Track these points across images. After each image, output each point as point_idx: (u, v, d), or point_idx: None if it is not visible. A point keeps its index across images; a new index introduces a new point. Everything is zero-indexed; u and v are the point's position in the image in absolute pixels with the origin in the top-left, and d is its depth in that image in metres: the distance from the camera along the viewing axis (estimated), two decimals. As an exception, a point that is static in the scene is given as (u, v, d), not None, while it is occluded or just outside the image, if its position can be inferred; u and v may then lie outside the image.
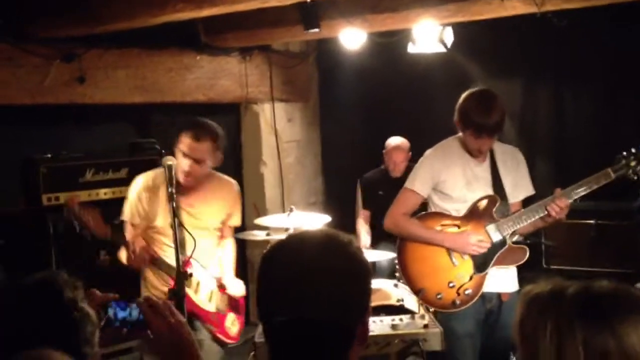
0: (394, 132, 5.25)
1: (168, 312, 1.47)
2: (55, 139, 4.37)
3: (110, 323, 1.48)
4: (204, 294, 3.35)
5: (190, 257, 3.00)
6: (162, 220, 3.26)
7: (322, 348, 1.24)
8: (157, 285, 3.32)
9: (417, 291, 3.23)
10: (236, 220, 3.55)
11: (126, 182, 4.28)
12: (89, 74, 4.39)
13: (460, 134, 3.27)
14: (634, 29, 4.64)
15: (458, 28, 4.74)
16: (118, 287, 1.73)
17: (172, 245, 3.00)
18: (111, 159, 4.33)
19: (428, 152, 3.39)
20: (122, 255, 3.23)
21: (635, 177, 3.21)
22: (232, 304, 3.48)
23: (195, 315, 3.28)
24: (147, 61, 4.80)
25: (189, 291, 3.23)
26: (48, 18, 3.82)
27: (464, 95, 3.19)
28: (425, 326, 2.76)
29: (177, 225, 2.80)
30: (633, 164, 3.17)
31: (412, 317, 2.86)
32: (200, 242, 3.22)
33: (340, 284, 1.24)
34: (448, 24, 4.55)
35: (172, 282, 3.12)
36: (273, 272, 1.28)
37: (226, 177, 3.56)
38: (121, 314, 1.50)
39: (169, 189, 2.82)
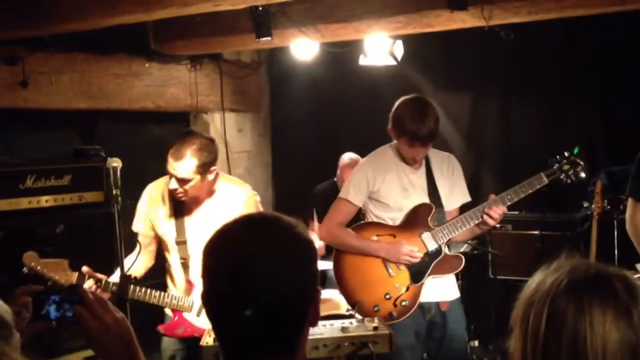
0: (344, 144, 5.27)
1: (102, 310, 1.39)
2: (-3, 144, 4.23)
3: (39, 317, 1.41)
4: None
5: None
6: (165, 233, 3.13)
7: (277, 334, 1.21)
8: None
9: (353, 304, 3.17)
10: None
11: (69, 189, 4.16)
12: (32, 78, 4.27)
13: (394, 141, 3.24)
14: (579, 43, 4.79)
15: (408, 41, 4.80)
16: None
17: (177, 261, 2.97)
18: (53, 165, 4.18)
19: (362, 160, 3.37)
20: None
21: (569, 181, 3.25)
22: None
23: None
24: (94, 67, 4.70)
25: (189, 316, 3.11)
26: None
27: (397, 103, 3.17)
28: (375, 328, 2.74)
29: (180, 241, 2.82)
30: (566, 167, 3.22)
31: (362, 320, 2.84)
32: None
33: (291, 266, 1.22)
34: (399, 36, 4.60)
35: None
36: (220, 263, 1.23)
37: (236, 185, 3.27)
38: (54, 314, 1.43)
39: (114, 191, 2.74)
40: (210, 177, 3.05)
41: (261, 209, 3.26)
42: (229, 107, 5.81)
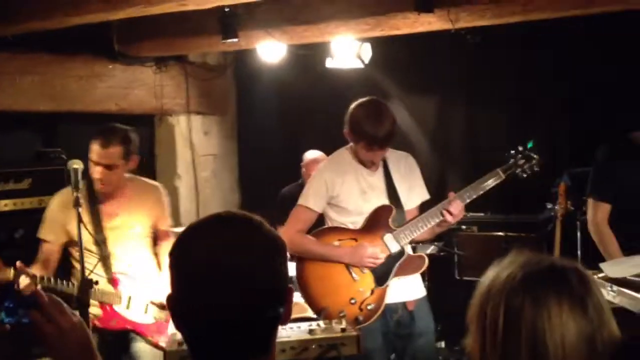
0: (312, 147, 5.24)
1: (58, 314, 1.34)
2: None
3: None
4: (137, 308, 3.20)
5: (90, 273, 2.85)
6: (82, 235, 3.08)
7: (250, 336, 1.18)
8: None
9: (318, 311, 3.12)
10: (165, 223, 3.43)
11: (29, 192, 4.07)
12: (-6, 79, 4.17)
13: (351, 144, 3.21)
14: (544, 46, 4.86)
15: (376, 44, 4.81)
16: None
17: (97, 259, 2.93)
18: (13, 168, 4.08)
19: (319, 165, 3.34)
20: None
21: (525, 175, 3.28)
22: None
23: (132, 331, 3.19)
24: (56, 68, 4.60)
25: (120, 308, 3.13)
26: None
27: (352, 106, 3.12)
28: (343, 330, 2.73)
29: (99, 240, 2.80)
30: (521, 162, 3.25)
31: (330, 323, 2.82)
32: (130, 254, 3.17)
33: (264, 265, 1.19)
34: (366, 39, 4.61)
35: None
36: (190, 264, 1.19)
37: (150, 180, 3.49)
38: (7, 319, 1.38)
39: (74, 194, 2.70)
40: (131, 165, 3.20)
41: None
42: (195, 109, 5.75)
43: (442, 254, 4.50)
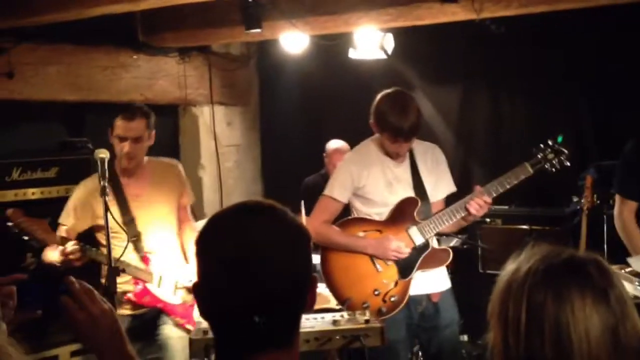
0: (334, 138, 5.24)
1: (89, 301, 1.36)
2: (-19, 136, 4.18)
3: (25, 307, 1.37)
4: (167, 288, 3.29)
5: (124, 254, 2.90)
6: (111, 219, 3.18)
7: (277, 325, 1.18)
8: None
9: (342, 301, 3.13)
10: (189, 199, 3.55)
11: (55, 181, 4.13)
12: (18, 69, 4.23)
13: (377, 135, 3.21)
14: (569, 36, 4.79)
15: (398, 35, 4.78)
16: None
17: (125, 242, 2.99)
18: (40, 157, 4.14)
19: (345, 156, 3.35)
20: (50, 255, 3.09)
21: (553, 170, 3.21)
22: None
23: (161, 309, 3.29)
24: (81, 58, 4.65)
25: (152, 286, 3.24)
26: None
27: (378, 98, 3.12)
28: (367, 321, 2.73)
29: (128, 221, 2.90)
30: (550, 156, 3.19)
31: (353, 314, 2.82)
32: (158, 233, 3.27)
33: (290, 253, 1.20)
34: (389, 29, 4.58)
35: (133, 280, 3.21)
36: (216, 253, 1.19)
37: (166, 159, 3.62)
38: (39, 305, 1.40)
39: (102, 183, 2.74)
40: (151, 141, 3.33)
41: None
42: (218, 100, 5.77)
43: (465, 246, 4.46)
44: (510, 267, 1.29)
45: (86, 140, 4.34)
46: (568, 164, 3.24)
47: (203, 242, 1.23)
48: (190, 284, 3.29)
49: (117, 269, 2.67)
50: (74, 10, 3.45)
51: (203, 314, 1.25)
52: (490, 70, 5.23)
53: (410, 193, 3.18)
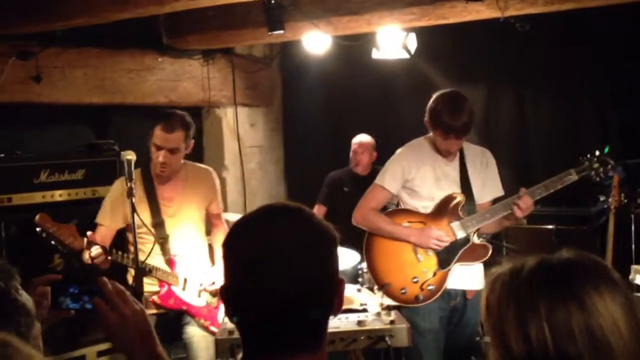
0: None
1: (121, 302, 1.38)
2: (9, 139, 4.24)
3: (58, 306, 1.39)
4: (192, 290, 3.33)
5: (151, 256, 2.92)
6: (143, 214, 3.21)
7: (303, 327, 1.19)
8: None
9: (382, 285, 3.27)
10: (218, 207, 3.57)
11: (82, 183, 4.18)
12: (45, 73, 4.29)
13: (430, 133, 3.33)
14: (595, 34, 4.73)
15: (421, 34, 4.75)
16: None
17: (154, 241, 3.03)
18: (67, 159, 4.19)
19: (399, 150, 3.45)
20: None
21: (598, 179, 3.30)
22: None
23: (186, 312, 3.32)
24: (107, 61, 4.70)
25: (177, 289, 3.28)
26: (3, 14, 3.70)
27: (434, 96, 3.25)
28: (392, 322, 2.73)
29: (157, 223, 2.88)
30: (596, 166, 3.26)
31: (378, 314, 2.82)
32: (185, 237, 3.29)
33: (315, 257, 1.20)
34: (412, 29, 4.56)
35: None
36: (243, 256, 1.20)
37: (201, 165, 3.61)
38: (72, 305, 1.42)
39: (128, 184, 2.76)
40: (188, 150, 3.33)
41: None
42: (241, 101, 5.80)
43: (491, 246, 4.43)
44: (497, 283, 1.22)
45: (112, 142, 4.39)
46: (612, 174, 3.36)
47: (229, 245, 1.24)
48: (212, 288, 3.33)
49: (143, 269, 2.70)
50: (101, 14, 3.49)
51: (229, 315, 1.26)
52: (515, 70, 5.19)
53: (457, 190, 3.30)
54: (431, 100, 3.24)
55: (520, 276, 1.21)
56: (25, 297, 1.32)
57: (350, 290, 3.91)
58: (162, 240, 3.25)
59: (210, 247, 3.54)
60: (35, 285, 1.42)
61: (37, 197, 4.01)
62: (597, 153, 3.27)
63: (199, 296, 3.34)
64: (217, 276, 3.35)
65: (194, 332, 3.34)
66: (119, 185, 3.31)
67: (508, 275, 1.23)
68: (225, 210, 5.62)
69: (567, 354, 1.14)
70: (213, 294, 3.35)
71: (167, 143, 3.19)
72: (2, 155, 4.00)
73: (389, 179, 3.33)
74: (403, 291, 3.22)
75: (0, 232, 3.83)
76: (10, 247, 3.82)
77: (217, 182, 3.57)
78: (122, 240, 3.34)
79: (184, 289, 3.30)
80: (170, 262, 3.28)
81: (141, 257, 3.21)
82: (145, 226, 2.97)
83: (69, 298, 1.41)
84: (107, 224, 3.28)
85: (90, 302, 1.38)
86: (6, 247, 3.82)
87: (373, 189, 3.40)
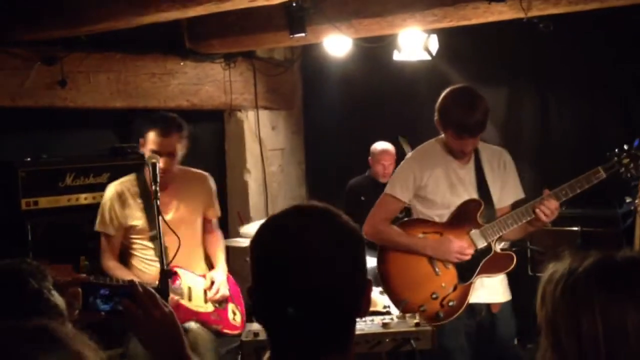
0: (378, 140, 5.25)
1: (151, 305, 1.39)
2: (35, 143, 4.30)
3: (89, 308, 1.41)
4: (198, 298, 3.31)
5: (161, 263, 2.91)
6: (139, 221, 3.23)
7: (331, 329, 1.18)
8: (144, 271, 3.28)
9: (398, 303, 3.03)
10: (215, 212, 3.52)
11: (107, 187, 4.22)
12: (70, 78, 4.34)
13: (442, 135, 3.10)
14: (617, 34, 4.67)
15: (443, 36, 4.73)
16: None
17: (152, 250, 3.00)
18: (92, 163, 4.25)
19: (408, 155, 3.26)
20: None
21: (629, 175, 3.04)
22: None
23: (197, 322, 3.26)
24: (130, 66, 4.75)
25: (184, 301, 3.22)
26: (29, 19, 3.75)
27: (443, 93, 3.02)
28: (417, 324, 2.69)
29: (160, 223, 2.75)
30: (625, 161, 3.00)
31: (403, 316, 2.80)
32: (186, 241, 3.19)
33: (343, 257, 1.20)
34: (434, 30, 4.54)
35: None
36: (272, 257, 1.20)
37: (197, 170, 3.54)
38: (102, 307, 1.44)
39: (154, 187, 2.78)
40: (183, 152, 3.29)
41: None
42: (263, 104, 5.82)
43: (514, 249, 4.38)
44: (556, 274, 1.23)
45: (136, 146, 4.41)
46: None
47: (257, 245, 1.24)
48: (217, 296, 3.29)
49: (169, 271, 2.71)
50: (124, 19, 3.52)
51: (257, 316, 1.26)
52: (538, 70, 5.14)
53: (474, 195, 3.06)
54: (440, 98, 2.98)
55: (579, 269, 1.21)
56: (57, 298, 1.33)
57: (373, 293, 3.88)
58: (163, 249, 3.19)
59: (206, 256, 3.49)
60: (66, 286, 1.44)
61: (63, 201, 4.07)
62: (627, 147, 3.02)
63: (206, 302, 3.30)
64: (219, 283, 3.31)
65: (198, 330, 3.28)
66: (112, 190, 3.31)
67: (567, 267, 1.23)
68: (248, 212, 5.65)
69: (617, 354, 1.13)
70: (220, 301, 3.32)
71: (164, 148, 3.14)
72: (29, 159, 4.06)
73: (400, 188, 3.08)
74: (422, 308, 2.95)
75: (27, 235, 3.89)
76: (36, 250, 3.87)
77: (214, 187, 3.52)
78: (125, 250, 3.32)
79: (190, 300, 3.25)
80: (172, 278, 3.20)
81: (144, 264, 3.23)
82: (171, 229, 2.93)
83: (100, 299, 1.43)
84: (113, 232, 3.28)
85: (120, 304, 1.39)
86: (32, 249, 3.87)
87: (383, 199, 3.13)
